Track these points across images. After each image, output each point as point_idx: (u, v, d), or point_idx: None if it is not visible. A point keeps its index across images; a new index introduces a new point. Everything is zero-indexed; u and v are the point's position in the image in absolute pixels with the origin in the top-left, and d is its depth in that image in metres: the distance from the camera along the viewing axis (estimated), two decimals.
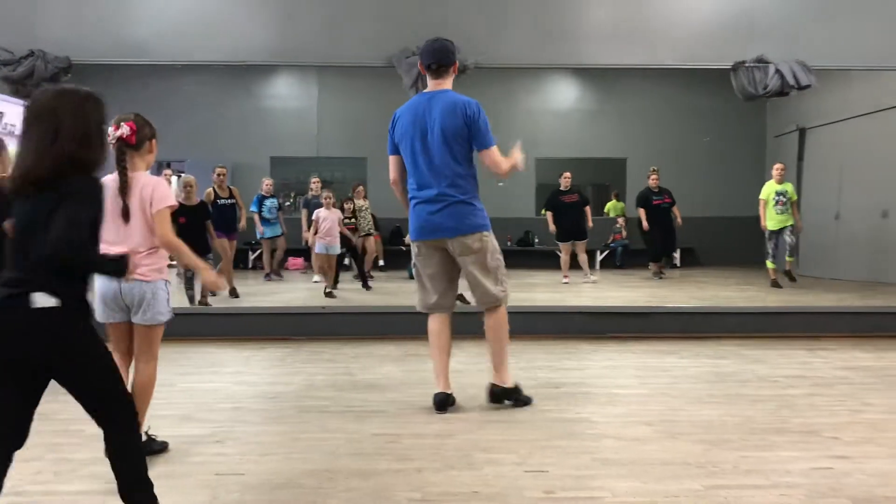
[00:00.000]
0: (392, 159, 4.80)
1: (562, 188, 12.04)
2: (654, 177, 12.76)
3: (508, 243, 15.60)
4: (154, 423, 3.94)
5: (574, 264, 12.30)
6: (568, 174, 12.11)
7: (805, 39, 7.54)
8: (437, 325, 4.81)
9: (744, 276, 13.10)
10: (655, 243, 13.03)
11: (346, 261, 12.39)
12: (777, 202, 11.06)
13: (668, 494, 3.37)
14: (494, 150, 4.65)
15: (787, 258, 11.21)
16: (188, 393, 5.22)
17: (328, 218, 10.38)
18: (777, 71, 7.41)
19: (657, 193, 12.72)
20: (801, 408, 4.93)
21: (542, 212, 13.22)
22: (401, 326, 7.10)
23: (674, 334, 7.57)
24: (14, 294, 2.49)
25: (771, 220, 11.13)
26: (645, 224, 12.64)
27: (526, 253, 15.92)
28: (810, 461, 3.83)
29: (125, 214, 3.57)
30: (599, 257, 15.94)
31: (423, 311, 4.90)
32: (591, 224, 12.25)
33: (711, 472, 3.68)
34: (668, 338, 7.46)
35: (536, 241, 16.49)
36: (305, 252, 12.65)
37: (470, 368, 5.90)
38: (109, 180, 3.57)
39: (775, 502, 3.31)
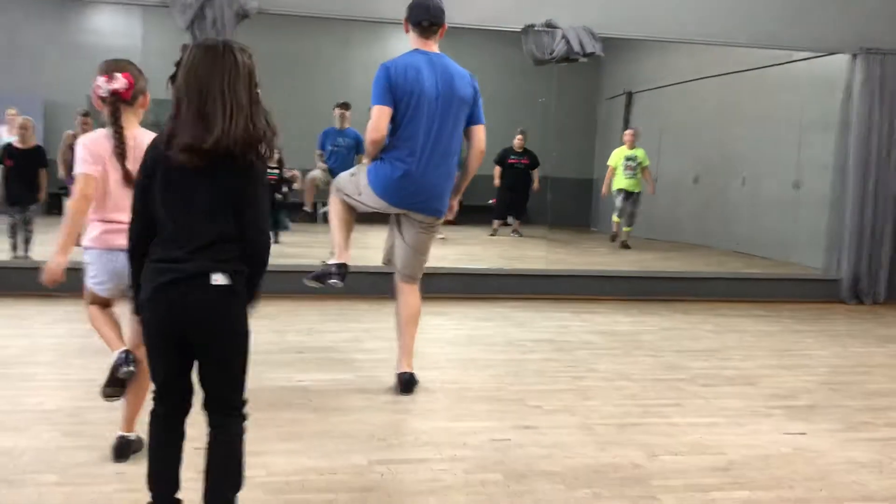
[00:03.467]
0: (385, 111, 4.22)
1: None
2: (519, 137, 12.95)
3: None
4: None
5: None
6: None
7: (593, 7, 7.57)
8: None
9: (568, 238, 13.38)
10: (502, 202, 13.27)
11: None
12: (626, 167, 11.44)
13: (329, 471, 3.31)
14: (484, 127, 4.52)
15: (625, 228, 11.59)
16: None
17: None
18: (563, 37, 7.42)
19: (517, 154, 12.89)
20: (526, 374, 5.03)
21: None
22: None
23: (455, 295, 7.57)
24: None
25: (619, 182, 11.49)
26: (496, 180, 12.82)
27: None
28: (494, 432, 3.87)
29: (128, 179, 3.18)
30: None
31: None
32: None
33: (389, 444, 3.68)
34: (449, 298, 7.45)
35: None
36: None
37: None
38: (99, 139, 3.29)
39: (431, 477, 3.32)
